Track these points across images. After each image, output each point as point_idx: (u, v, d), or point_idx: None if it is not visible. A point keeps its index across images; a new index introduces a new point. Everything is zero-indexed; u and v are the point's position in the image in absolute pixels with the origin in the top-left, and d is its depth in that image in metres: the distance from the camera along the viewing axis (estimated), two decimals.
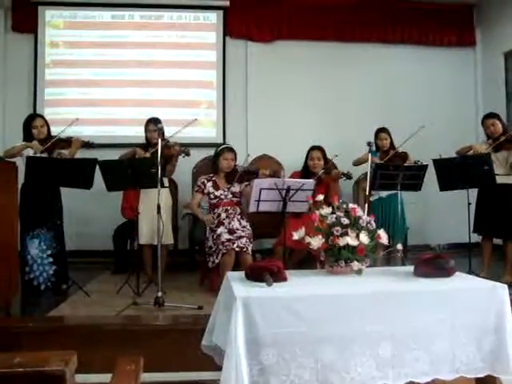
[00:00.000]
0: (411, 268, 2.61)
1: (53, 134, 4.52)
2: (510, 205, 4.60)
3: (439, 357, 2.21)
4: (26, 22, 6.30)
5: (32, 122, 4.44)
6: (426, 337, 2.20)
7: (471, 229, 4.68)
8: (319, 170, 4.73)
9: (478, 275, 3.47)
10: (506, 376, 2.25)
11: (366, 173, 4.40)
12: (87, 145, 4.52)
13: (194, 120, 4.68)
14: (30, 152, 4.32)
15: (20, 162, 4.19)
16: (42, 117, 4.62)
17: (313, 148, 4.86)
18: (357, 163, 5.18)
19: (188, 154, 4.60)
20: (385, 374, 2.15)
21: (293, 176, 4.81)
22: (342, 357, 2.12)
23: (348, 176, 4.70)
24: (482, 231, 4.66)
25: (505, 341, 2.23)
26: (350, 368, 2.13)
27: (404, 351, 2.17)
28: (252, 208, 3.89)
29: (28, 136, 4.42)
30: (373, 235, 2.58)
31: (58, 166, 4.16)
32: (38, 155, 4.31)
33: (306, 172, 4.78)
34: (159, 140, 3.85)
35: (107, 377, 1.60)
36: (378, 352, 2.15)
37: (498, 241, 4.81)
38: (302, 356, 2.10)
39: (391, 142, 5.18)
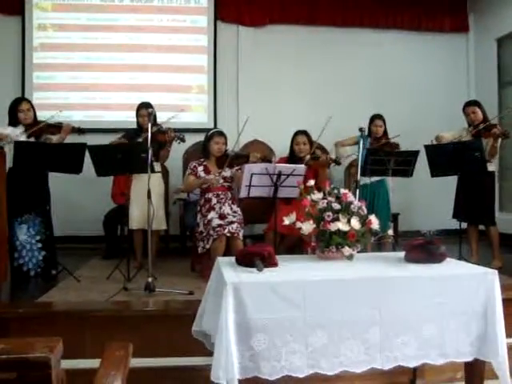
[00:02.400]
0: (402, 254, 2.61)
1: (40, 118, 4.46)
2: (488, 191, 4.68)
3: (428, 341, 2.22)
4: (12, 3, 6.19)
5: (18, 106, 4.36)
6: (415, 322, 2.21)
7: (455, 215, 4.75)
8: (305, 154, 4.69)
9: (468, 261, 3.49)
10: (493, 360, 2.27)
11: (357, 159, 4.38)
12: (77, 131, 4.47)
13: (181, 109, 4.65)
14: (18, 136, 4.26)
15: (7, 147, 4.14)
16: (28, 101, 4.55)
17: (297, 133, 4.81)
18: (339, 145, 5.14)
19: (183, 140, 4.59)
20: (373, 358, 2.16)
21: (279, 162, 4.75)
22: (331, 342, 2.13)
23: (337, 162, 4.67)
24: (462, 218, 4.69)
25: (493, 325, 2.25)
26: (339, 352, 2.13)
27: (392, 336, 2.18)
28: (243, 193, 3.87)
29: (13, 120, 4.35)
30: (364, 221, 2.58)
31: (47, 150, 4.11)
32: (26, 139, 4.26)
33: (292, 157, 4.74)
34: (149, 125, 3.81)
35: (97, 362, 1.59)
36: (367, 337, 2.16)
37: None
38: (292, 341, 2.10)
39: (385, 131, 5.16)
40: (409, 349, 2.20)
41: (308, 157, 4.64)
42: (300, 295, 2.13)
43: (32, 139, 4.30)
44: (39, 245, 4.27)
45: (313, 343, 2.11)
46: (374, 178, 4.88)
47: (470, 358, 2.29)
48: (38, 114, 4.49)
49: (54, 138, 4.41)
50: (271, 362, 2.07)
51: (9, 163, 4.10)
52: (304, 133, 4.78)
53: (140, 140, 4.53)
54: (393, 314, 2.20)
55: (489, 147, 4.59)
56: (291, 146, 4.81)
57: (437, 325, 2.23)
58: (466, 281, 2.31)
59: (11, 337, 2.99)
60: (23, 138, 4.26)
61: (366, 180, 4.80)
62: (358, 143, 4.95)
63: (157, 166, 4.59)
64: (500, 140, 4.56)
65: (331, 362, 2.12)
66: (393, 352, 2.18)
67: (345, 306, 2.16)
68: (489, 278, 2.30)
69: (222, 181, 4.37)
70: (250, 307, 2.07)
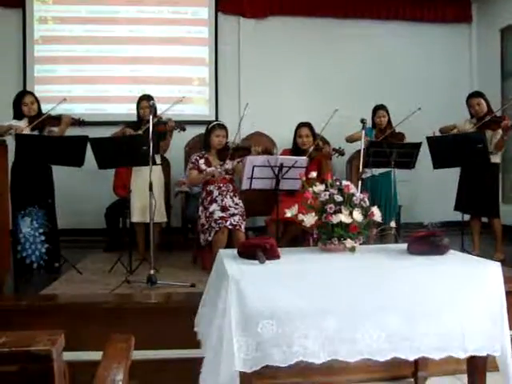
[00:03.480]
0: (404, 246, 2.60)
1: (43, 111, 4.46)
2: (493, 184, 4.65)
3: (448, 334, 2.17)
4: None
5: (22, 99, 4.37)
6: (427, 314, 2.18)
7: (457, 207, 4.73)
8: (309, 146, 4.68)
9: (470, 253, 3.49)
10: (496, 354, 2.25)
11: (359, 150, 4.36)
12: (78, 122, 4.46)
13: (181, 98, 4.63)
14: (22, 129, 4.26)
15: (10, 140, 4.14)
16: (32, 94, 4.56)
17: (300, 125, 4.79)
18: (350, 140, 5.13)
19: (184, 129, 4.60)
20: (395, 347, 2.10)
21: (283, 154, 4.75)
22: (347, 327, 2.06)
23: (340, 152, 4.65)
24: (464, 210, 4.66)
25: (497, 318, 2.23)
26: (356, 339, 2.07)
27: (413, 325, 2.12)
28: (245, 185, 3.87)
29: (18, 113, 4.36)
30: (366, 213, 2.57)
31: (49, 143, 4.11)
32: (28, 133, 4.26)
33: (295, 150, 4.73)
34: (151, 117, 3.80)
35: (99, 354, 1.59)
36: (386, 323, 2.09)
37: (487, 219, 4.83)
38: (304, 328, 2.04)
39: (389, 121, 5.12)
40: (430, 340, 2.14)
41: (311, 149, 4.62)
42: (303, 286, 2.11)
43: (36, 132, 4.30)
44: (42, 237, 4.27)
45: (327, 328, 2.04)
46: (380, 170, 4.87)
47: (485, 353, 2.24)
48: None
49: (56, 130, 4.41)
50: (282, 347, 2.00)
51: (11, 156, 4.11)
52: (307, 125, 4.77)
53: (140, 132, 4.53)
54: (400, 305, 2.17)
55: (496, 140, 4.54)
56: (294, 139, 4.80)
57: (447, 319, 2.19)
58: (469, 272, 2.30)
59: (14, 329, 2.98)
60: (27, 131, 4.26)
61: (373, 172, 4.80)
62: (365, 135, 4.95)
63: (157, 159, 4.59)
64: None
65: (349, 349, 2.05)
66: (415, 342, 2.12)
67: (350, 297, 2.13)
68: (492, 271, 2.29)
69: (223, 173, 4.36)
70: (252, 299, 2.05)
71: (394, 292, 2.17)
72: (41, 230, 4.28)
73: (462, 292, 2.23)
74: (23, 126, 4.29)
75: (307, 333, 2.03)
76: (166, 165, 5.40)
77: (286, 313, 2.05)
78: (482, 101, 4.69)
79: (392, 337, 2.11)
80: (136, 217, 4.54)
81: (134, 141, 4.19)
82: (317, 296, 2.10)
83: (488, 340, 2.23)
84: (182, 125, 4.56)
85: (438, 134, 4.79)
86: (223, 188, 4.36)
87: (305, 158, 4.02)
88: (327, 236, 2.52)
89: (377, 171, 4.91)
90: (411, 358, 2.16)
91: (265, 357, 2.01)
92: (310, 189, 2.61)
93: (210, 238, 4.11)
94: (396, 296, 2.16)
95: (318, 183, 2.63)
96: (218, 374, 1.95)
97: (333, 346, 2.05)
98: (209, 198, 4.32)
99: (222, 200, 4.28)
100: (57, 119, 4.41)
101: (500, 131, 4.50)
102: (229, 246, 3.96)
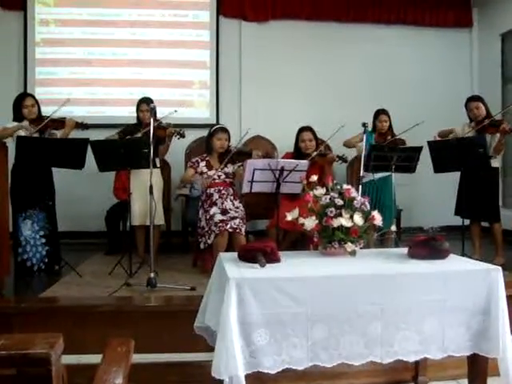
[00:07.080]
0: (405, 250, 2.60)
1: (44, 114, 4.45)
2: (492, 187, 4.64)
3: (429, 336, 2.22)
4: None
5: (22, 102, 4.36)
6: (417, 317, 2.21)
7: (458, 212, 4.72)
8: (312, 150, 4.67)
9: (470, 258, 3.47)
10: (496, 356, 2.26)
11: (360, 154, 4.36)
12: (81, 126, 4.45)
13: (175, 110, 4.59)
14: (21, 132, 4.25)
15: (10, 143, 4.14)
16: (32, 96, 4.55)
17: (302, 129, 4.77)
18: (348, 145, 5.12)
19: (183, 136, 4.57)
20: (372, 352, 2.17)
21: (285, 157, 4.73)
22: (332, 335, 2.13)
23: (343, 159, 4.65)
24: (465, 215, 4.65)
25: (494, 321, 2.24)
26: (338, 345, 2.14)
27: (394, 331, 2.18)
28: (245, 189, 3.86)
29: (18, 116, 4.35)
30: (367, 216, 2.57)
31: (49, 145, 4.10)
32: (29, 135, 4.26)
33: (298, 153, 4.71)
34: (151, 120, 3.80)
35: (98, 358, 1.58)
36: (368, 331, 2.16)
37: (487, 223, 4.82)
38: (293, 336, 2.10)
39: (390, 126, 5.12)
40: (409, 344, 2.20)
41: (315, 153, 4.61)
42: (302, 291, 2.12)
43: (36, 135, 4.30)
44: (43, 240, 4.28)
45: (313, 337, 2.11)
46: (380, 175, 4.85)
47: (468, 352, 2.30)
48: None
49: (58, 134, 4.41)
50: (272, 356, 2.08)
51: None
52: (309, 129, 4.75)
53: (139, 135, 4.52)
54: (395, 309, 2.19)
55: (495, 143, 4.54)
56: (296, 143, 4.78)
57: (439, 320, 2.22)
58: (469, 277, 2.30)
59: (14, 332, 2.99)
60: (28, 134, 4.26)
61: (372, 176, 4.79)
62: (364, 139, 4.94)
63: (157, 162, 4.59)
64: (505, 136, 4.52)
65: (330, 354, 2.13)
66: (393, 346, 2.19)
67: (347, 302, 2.16)
68: (492, 275, 2.29)
69: (222, 176, 4.36)
70: (252, 303, 2.06)
71: (386, 301, 2.18)
72: (41, 233, 4.28)
73: (457, 296, 2.24)
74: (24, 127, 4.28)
75: (295, 341, 2.10)
76: (166, 168, 5.40)
77: (280, 319, 2.09)
78: (481, 104, 4.68)
79: (371, 343, 2.16)
80: (136, 220, 4.54)
81: (135, 143, 4.19)
82: (312, 303, 2.12)
83: (481, 342, 2.25)
84: (181, 131, 4.53)
85: (437, 138, 4.79)
86: (223, 191, 4.36)
87: (306, 161, 4.01)
88: (328, 240, 2.52)
89: (376, 176, 4.88)
90: (385, 362, 2.20)
91: (257, 363, 2.07)
92: (311, 192, 2.61)
93: (209, 241, 4.10)
94: (387, 304, 2.18)
95: (318, 187, 2.63)
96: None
97: (315, 353, 2.12)
98: (209, 201, 4.32)
99: (223, 203, 4.28)
100: (60, 122, 4.40)
101: (498, 135, 4.50)
102: (229, 249, 3.95)
